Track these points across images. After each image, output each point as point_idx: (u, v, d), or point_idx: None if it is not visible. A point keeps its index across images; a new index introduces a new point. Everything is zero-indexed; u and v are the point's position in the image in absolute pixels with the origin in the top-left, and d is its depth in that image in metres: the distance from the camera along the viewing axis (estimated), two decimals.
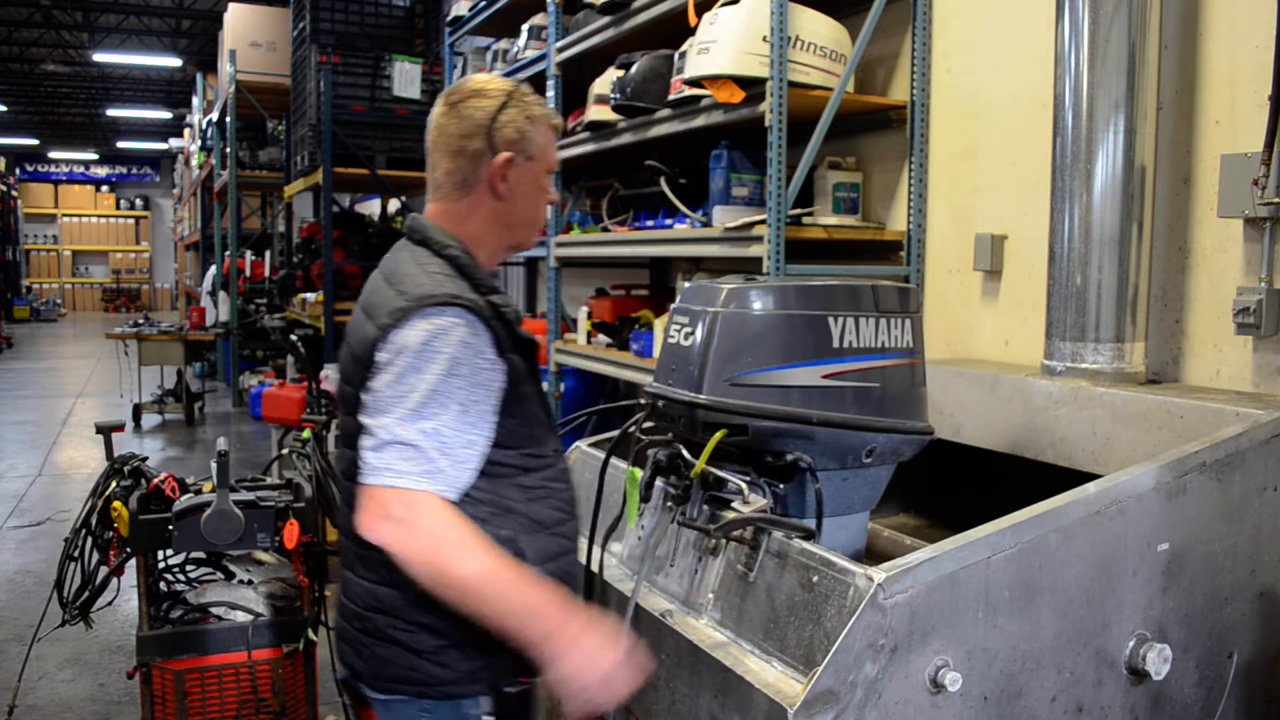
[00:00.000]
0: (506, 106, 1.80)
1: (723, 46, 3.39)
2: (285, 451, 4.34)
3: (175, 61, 17.61)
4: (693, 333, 2.00)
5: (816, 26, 3.49)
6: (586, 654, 1.62)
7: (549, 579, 1.74)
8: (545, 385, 2.04)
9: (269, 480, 3.17)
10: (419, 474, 1.63)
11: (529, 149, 1.83)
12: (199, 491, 2.95)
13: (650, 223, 4.51)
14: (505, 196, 1.82)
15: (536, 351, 1.85)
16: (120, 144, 28.36)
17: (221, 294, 11.88)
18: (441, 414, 1.65)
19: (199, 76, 14.84)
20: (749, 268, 3.54)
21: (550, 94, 5.12)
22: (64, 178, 30.41)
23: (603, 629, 1.66)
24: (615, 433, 2.28)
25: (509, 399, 1.75)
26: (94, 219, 30.05)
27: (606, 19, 4.45)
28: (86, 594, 3.02)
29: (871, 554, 2.29)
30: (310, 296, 9.35)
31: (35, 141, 28.30)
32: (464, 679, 1.75)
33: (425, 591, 1.64)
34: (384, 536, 1.62)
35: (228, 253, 10.87)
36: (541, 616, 1.62)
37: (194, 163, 15.63)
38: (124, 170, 30.94)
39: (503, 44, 5.92)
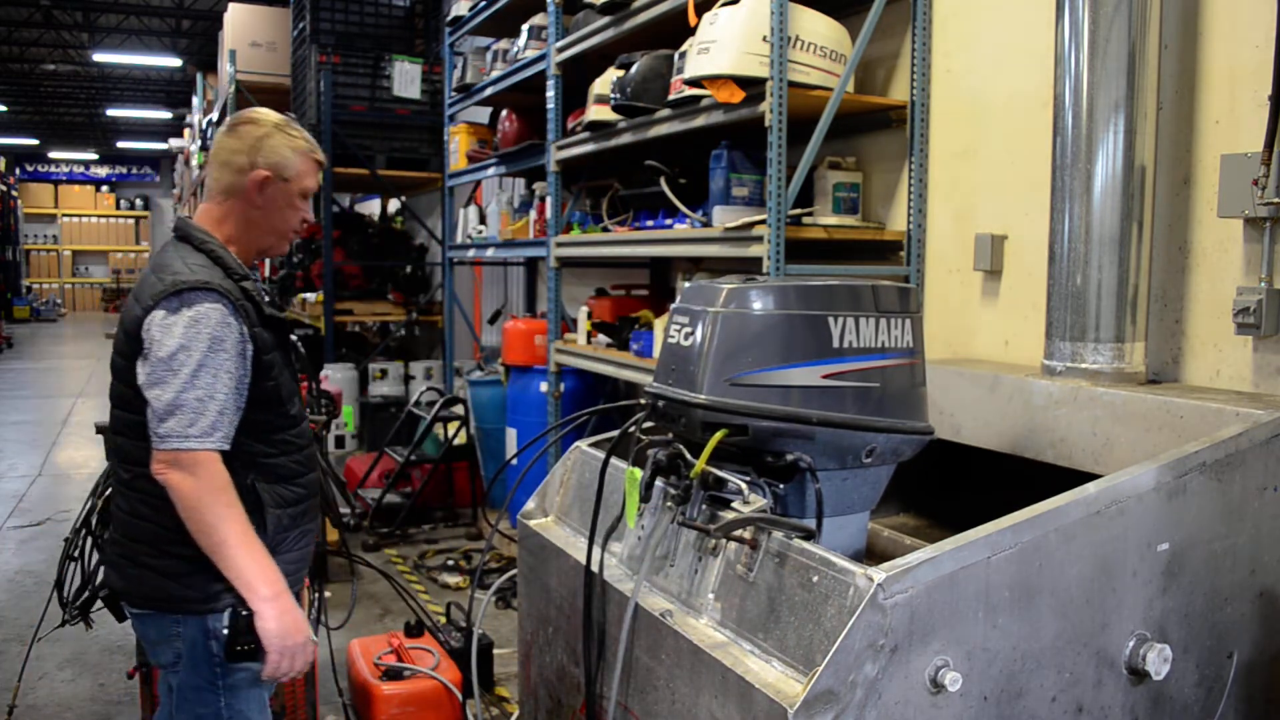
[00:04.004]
0: (273, 134, 2.21)
1: (723, 46, 3.39)
2: None
3: (175, 61, 17.59)
4: (693, 333, 2.00)
5: (816, 26, 3.49)
6: (291, 623, 2.09)
7: (284, 519, 2.21)
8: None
9: None
10: (199, 434, 2.01)
11: (285, 172, 2.22)
12: None
13: (650, 223, 4.51)
14: (260, 207, 2.22)
15: (285, 326, 2.27)
16: (120, 144, 28.34)
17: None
18: (211, 382, 2.03)
19: (199, 76, 14.83)
20: (749, 268, 3.54)
21: (550, 94, 5.12)
22: (64, 178, 30.39)
23: (298, 610, 2.13)
24: (615, 433, 2.28)
25: (258, 367, 2.14)
26: (94, 219, 30.04)
27: (606, 19, 4.45)
28: (86, 594, 3.01)
29: (871, 554, 2.29)
30: (310, 296, 9.35)
31: (35, 141, 28.28)
32: (208, 599, 2.11)
33: (180, 526, 2.05)
34: (174, 485, 2.02)
35: None
36: (265, 582, 2.07)
37: (194, 163, 15.61)
38: (124, 170, 30.92)
39: (503, 44, 5.92)
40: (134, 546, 2.17)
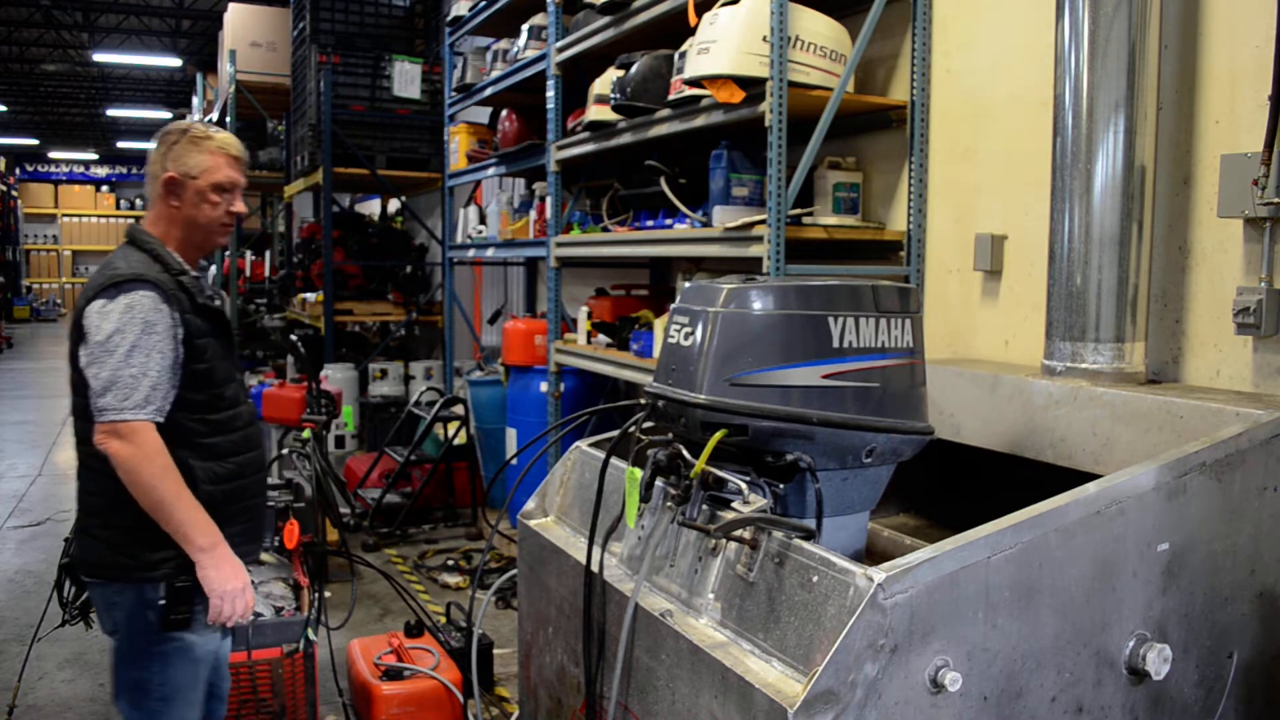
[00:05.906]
0: (179, 140, 2.43)
1: (723, 46, 3.39)
2: (285, 451, 4.34)
3: (175, 61, 17.58)
4: (693, 333, 2.00)
5: (816, 26, 3.49)
6: (227, 571, 2.29)
7: (217, 494, 2.36)
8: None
9: (269, 480, 3.17)
10: (134, 406, 2.21)
11: (190, 170, 2.42)
12: None
13: (650, 223, 4.50)
14: (175, 205, 2.44)
15: (222, 316, 2.48)
16: (120, 144, 28.30)
17: (222, 294, 11.87)
18: (145, 361, 2.23)
19: (199, 76, 14.82)
20: (749, 268, 3.54)
21: (550, 94, 5.12)
22: (64, 178, 30.37)
23: (234, 560, 2.32)
24: (615, 433, 2.28)
25: (190, 350, 2.34)
26: (94, 219, 30.02)
27: (606, 19, 4.45)
28: (86, 594, 3.01)
29: (871, 554, 2.29)
30: (310, 296, 9.35)
31: (35, 141, 28.26)
32: (146, 567, 2.30)
33: (119, 499, 2.25)
34: (114, 454, 2.21)
35: (228, 253, 10.88)
36: (202, 534, 2.26)
37: None
38: (124, 170, 30.90)
39: (503, 44, 5.92)
40: (86, 520, 2.40)
